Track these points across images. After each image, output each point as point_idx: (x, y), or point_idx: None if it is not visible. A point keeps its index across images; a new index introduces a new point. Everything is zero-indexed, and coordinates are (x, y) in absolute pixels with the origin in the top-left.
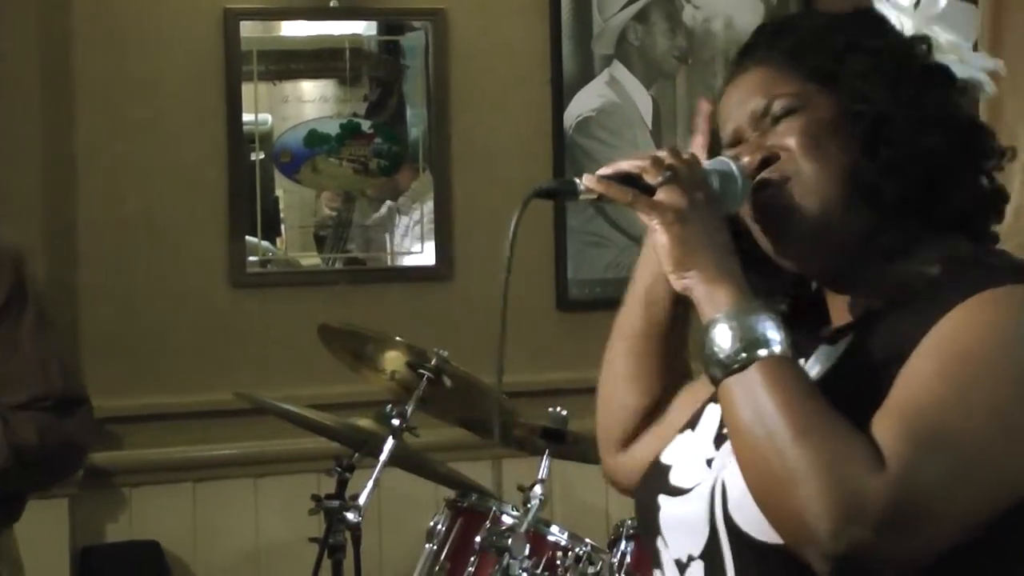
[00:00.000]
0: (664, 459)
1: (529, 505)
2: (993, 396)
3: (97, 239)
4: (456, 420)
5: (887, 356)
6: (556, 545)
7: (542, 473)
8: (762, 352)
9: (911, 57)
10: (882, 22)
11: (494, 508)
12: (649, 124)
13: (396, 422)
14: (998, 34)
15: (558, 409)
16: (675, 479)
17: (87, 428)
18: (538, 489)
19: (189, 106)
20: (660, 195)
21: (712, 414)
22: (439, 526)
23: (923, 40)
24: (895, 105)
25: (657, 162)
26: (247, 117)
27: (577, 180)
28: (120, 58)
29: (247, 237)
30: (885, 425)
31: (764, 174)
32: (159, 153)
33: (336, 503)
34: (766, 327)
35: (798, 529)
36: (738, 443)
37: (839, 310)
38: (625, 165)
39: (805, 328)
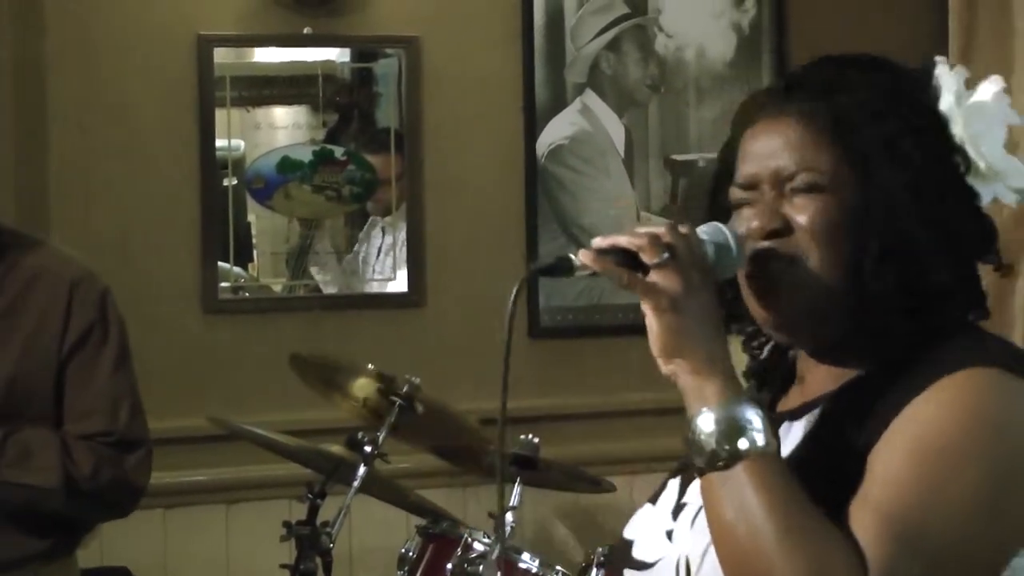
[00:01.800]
0: (627, 534)
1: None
2: (969, 489)
3: None
4: (428, 447)
5: (858, 433)
6: (527, 572)
7: (514, 500)
8: (746, 446)
9: (947, 169)
10: (930, 121)
11: (465, 535)
12: (621, 152)
13: (368, 449)
14: (968, 49)
15: (530, 436)
16: (638, 553)
17: (143, 469)
18: (509, 516)
19: (162, 132)
20: (656, 277)
21: (672, 488)
22: (410, 553)
23: (963, 155)
24: (920, 224)
25: (655, 240)
26: (220, 143)
27: (572, 256)
28: (94, 83)
29: (219, 263)
30: (864, 526)
31: (770, 244)
32: (132, 178)
33: (307, 529)
34: (752, 423)
35: None
36: (720, 539)
37: (812, 377)
38: (623, 240)
39: (770, 388)
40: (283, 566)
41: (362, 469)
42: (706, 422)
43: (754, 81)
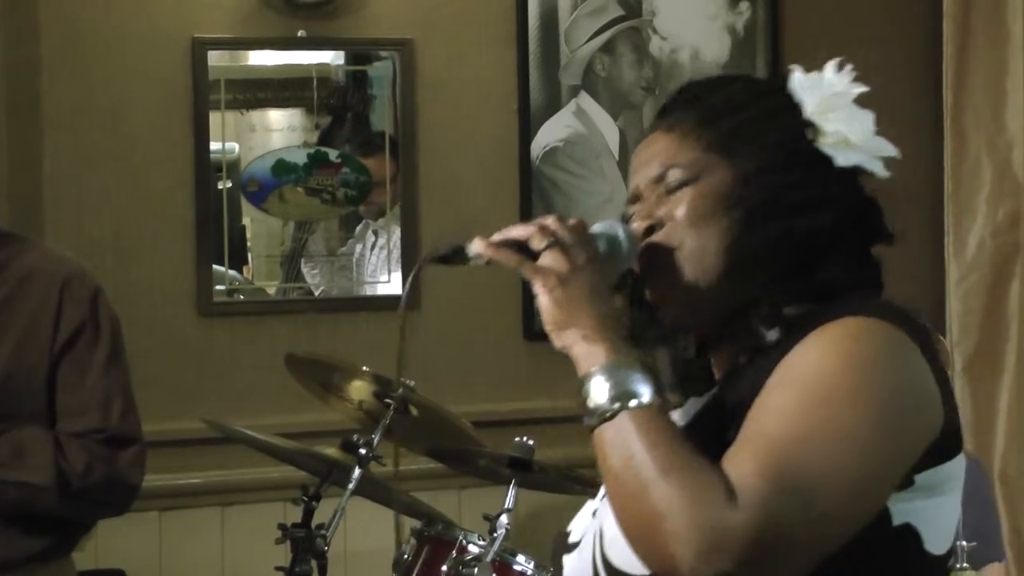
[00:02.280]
0: (569, 527)
1: (495, 535)
2: (840, 419)
3: None
4: (423, 449)
5: (742, 400)
6: (522, 574)
7: (508, 503)
8: (632, 403)
9: (801, 142)
10: (784, 106)
11: (460, 537)
12: (616, 155)
13: (363, 451)
14: (961, 74)
15: (524, 438)
16: (571, 537)
17: (137, 467)
18: (504, 519)
19: (156, 135)
20: (543, 260)
21: None
22: (405, 555)
23: (812, 127)
24: (782, 187)
25: (543, 229)
26: (214, 146)
27: (466, 245)
28: (88, 87)
29: (214, 266)
30: (738, 459)
31: (650, 240)
32: (126, 182)
33: (303, 532)
34: (637, 380)
35: (665, 565)
36: (610, 487)
37: (717, 364)
38: (514, 231)
39: (699, 380)
40: (278, 568)
41: (357, 471)
42: (597, 384)
43: None
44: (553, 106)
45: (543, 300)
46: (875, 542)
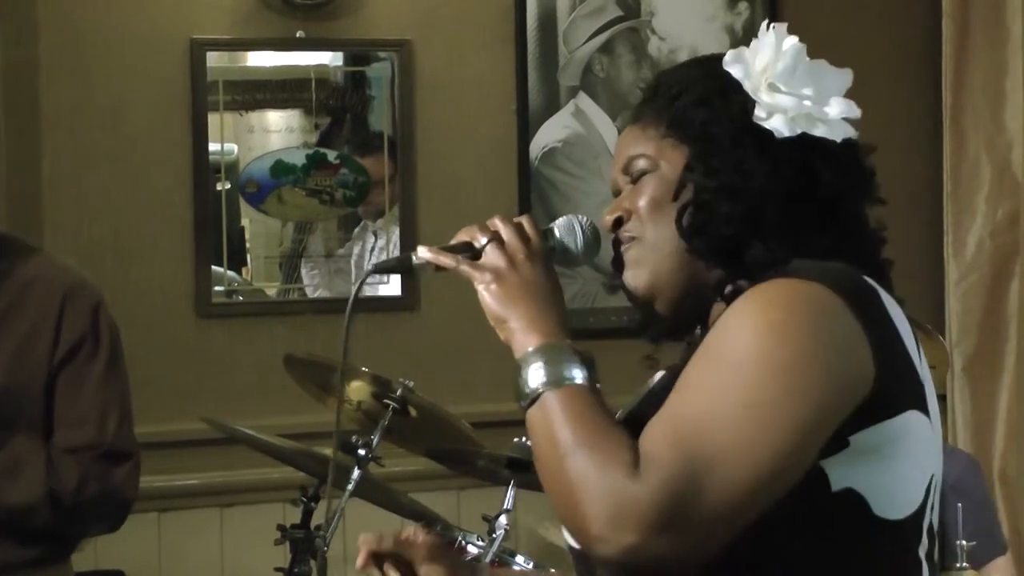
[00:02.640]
0: None
1: (494, 535)
2: (747, 387)
3: None
4: (421, 450)
5: (676, 372)
6: (520, 575)
7: (507, 503)
8: (564, 383)
9: (744, 118)
10: (730, 83)
11: (459, 538)
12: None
13: (361, 452)
14: (960, 74)
15: (523, 439)
16: None
17: (132, 482)
18: (503, 519)
19: (155, 136)
20: (483, 258)
21: None
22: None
23: (750, 101)
24: (724, 169)
25: (483, 227)
26: (213, 147)
27: (412, 255)
28: (86, 88)
29: (213, 267)
30: (650, 432)
31: (617, 233)
32: (125, 183)
33: (302, 533)
34: (570, 365)
35: (582, 537)
36: (538, 465)
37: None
38: (460, 234)
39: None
40: (277, 569)
41: (356, 472)
42: (531, 369)
43: None
44: (552, 107)
45: (481, 296)
46: (815, 508)
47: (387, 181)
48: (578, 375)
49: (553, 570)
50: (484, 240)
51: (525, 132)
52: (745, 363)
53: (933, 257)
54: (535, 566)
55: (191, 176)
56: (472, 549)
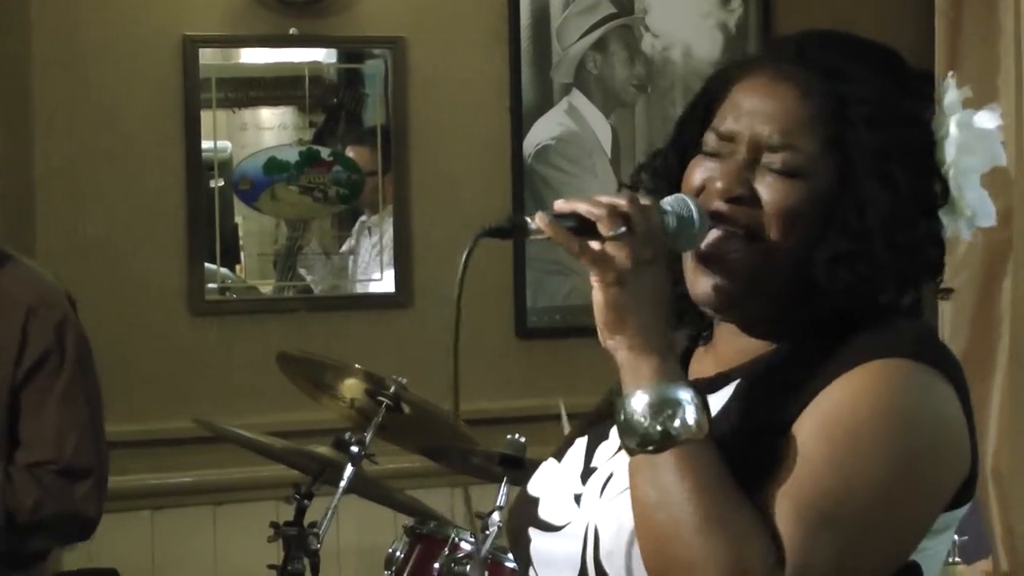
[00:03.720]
0: (531, 490)
1: (487, 532)
2: (880, 475)
3: (56, 266)
4: (415, 447)
5: (775, 409)
6: (514, 572)
7: (500, 500)
8: (677, 431)
9: (926, 199)
10: (924, 143)
11: (453, 535)
12: (608, 153)
13: (355, 449)
14: (953, 71)
15: (516, 436)
16: (544, 513)
17: (92, 499)
18: (496, 516)
19: (148, 133)
20: (608, 249)
21: (579, 448)
22: (398, 553)
23: (944, 184)
24: (884, 245)
25: (613, 211)
26: (206, 144)
27: (528, 219)
28: (79, 85)
29: (206, 264)
30: (782, 511)
31: (729, 209)
32: (118, 180)
33: (295, 530)
34: (686, 408)
35: None
36: (641, 521)
37: (727, 345)
38: (582, 207)
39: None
40: (271, 567)
41: (349, 469)
42: (639, 402)
43: None
44: (545, 104)
45: (597, 296)
46: None
47: (381, 178)
48: (698, 425)
49: None
50: (613, 230)
51: (519, 129)
52: (877, 448)
53: None
54: None
55: (184, 173)
56: (465, 546)
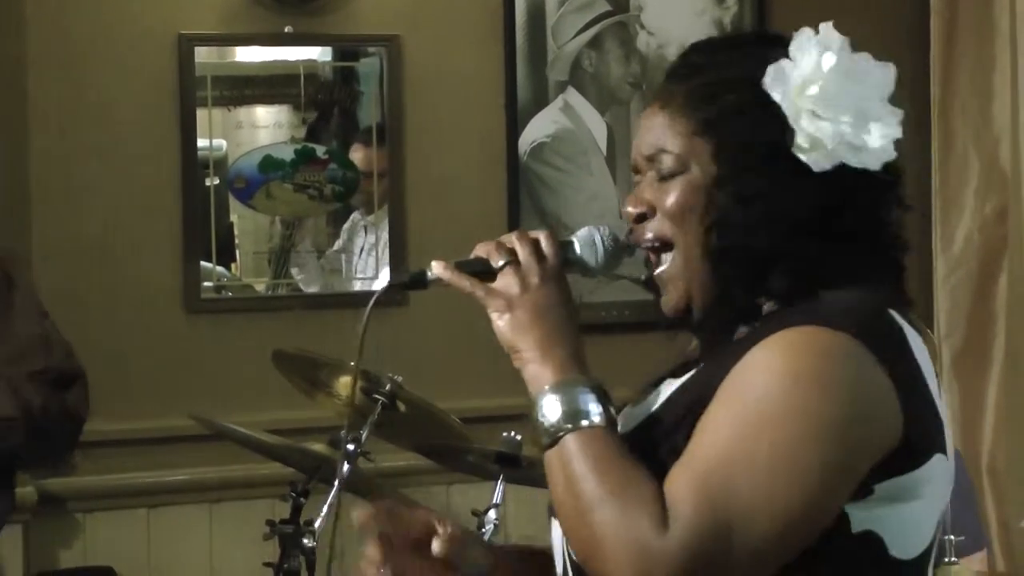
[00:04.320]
0: None
1: (483, 530)
2: (774, 442)
3: (51, 264)
4: (410, 445)
5: (698, 394)
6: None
7: (496, 498)
8: (583, 423)
9: (777, 143)
10: (767, 98)
11: None
12: (603, 150)
13: (351, 447)
14: (948, 69)
15: (512, 434)
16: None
17: (83, 401)
18: (492, 514)
19: (143, 131)
20: (497, 282)
21: None
22: None
23: (786, 129)
24: (754, 194)
25: (500, 247)
26: (202, 143)
27: (427, 270)
28: (74, 83)
29: (202, 262)
30: (677, 481)
31: (636, 231)
32: (113, 178)
33: (291, 528)
34: (586, 400)
35: None
36: (556, 508)
37: (701, 351)
38: (478, 249)
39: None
40: (267, 564)
41: (345, 467)
42: (548, 404)
43: None
44: (540, 102)
45: (494, 323)
46: (834, 548)
47: (376, 176)
48: (596, 412)
49: None
50: (501, 262)
51: (514, 127)
52: (773, 414)
53: (921, 252)
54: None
55: (180, 172)
56: None
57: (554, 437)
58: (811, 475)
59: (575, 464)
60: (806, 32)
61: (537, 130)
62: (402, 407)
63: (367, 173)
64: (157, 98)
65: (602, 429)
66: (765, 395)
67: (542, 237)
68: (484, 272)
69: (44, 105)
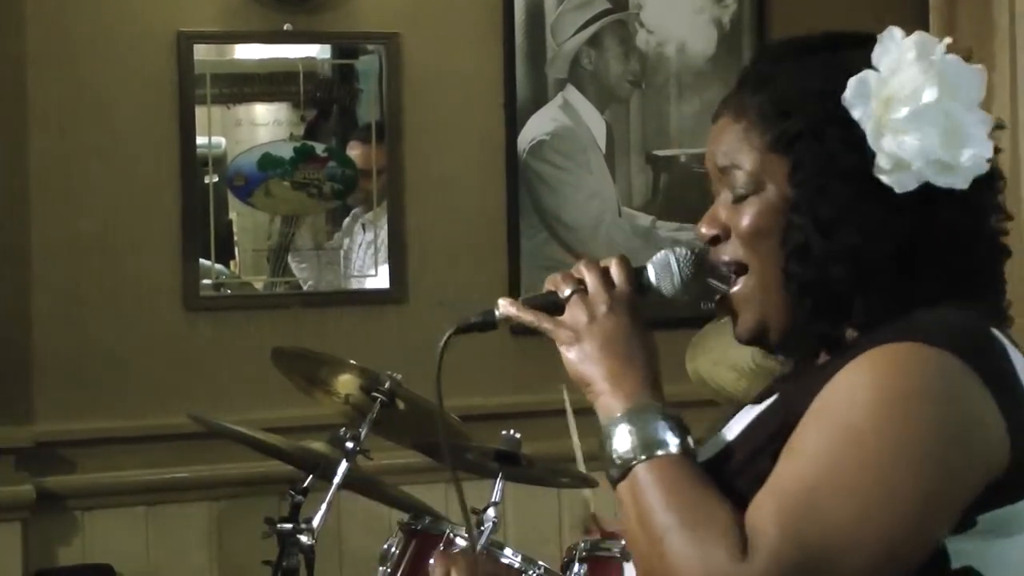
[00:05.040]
0: None
1: (482, 528)
2: (869, 465)
3: (50, 262)
4: (410, 443)
5: (784, 418)
6: (509, 568)
7: (495, 496)
8: (657, 452)
9: (857, 165)
10: (846, 114)
11: (448, 531)
12: (603, 148)
13: (350, 445)
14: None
15: (511, 432)
16: None
17: None
18: (491, 512)
19: (142, 129)
20: (565, 315)
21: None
22: (392, 549)
23: (866, 150)
24: (832, 220)
25: (567, 277)
26: (201, 140)
27: (495, 310)
28: (73, 81)
29: (201, 260)
30: (760, 508)
31: (713, 254)
32: (112, 176)
33: (290, 526)
34: (660, 430)
35: None
36: (629, 540)
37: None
38: (549, 282)
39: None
40: (266, 562)
41: (344, 465)
42: (618, 434)
43: (735, 77)
44: (539, 100)
45: (564, 359)
46: None
47: (375, 174)
48: (671, 441)
49: (541, 563)
50: (568, 291)
51: (513, 125)
52: (866, 434)
53: None
54: (522, 559)
55: (179, 170)
56: (460, 542)
57: (625, 468)
58: (905, 500)
59: (647, 495)
60: (892, 35)
61: (536, 128)
62: (401, 405)
63: (366, 171)
64: (156, 96)
65: (677, 457)
66: (854, 415)
67: (613, 264)
68: (552, 305)
69: (43, 103)
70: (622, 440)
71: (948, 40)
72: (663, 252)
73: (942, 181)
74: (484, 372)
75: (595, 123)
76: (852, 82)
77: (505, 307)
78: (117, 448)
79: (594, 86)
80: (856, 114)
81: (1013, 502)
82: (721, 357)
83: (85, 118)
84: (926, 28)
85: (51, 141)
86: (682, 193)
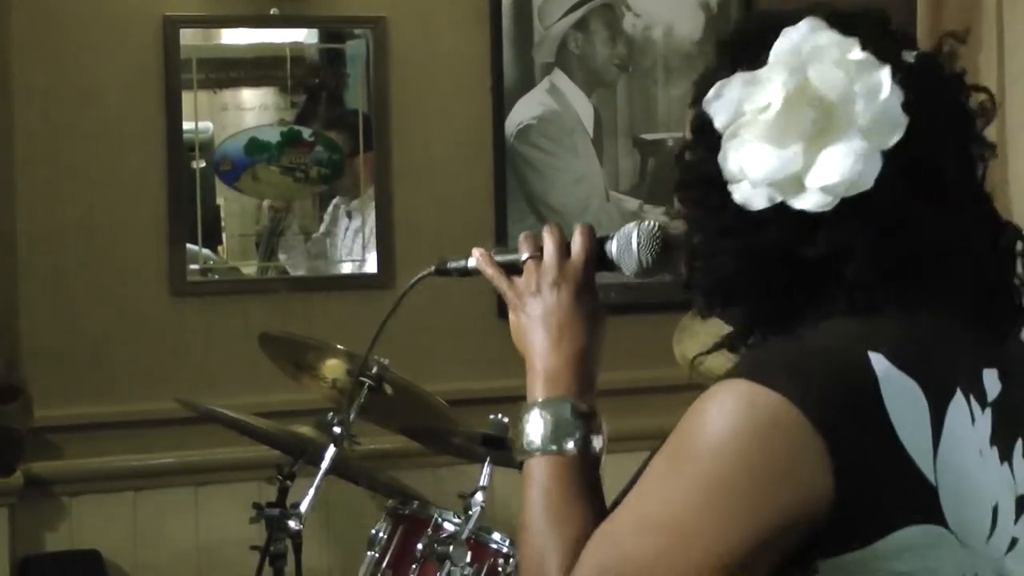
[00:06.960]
0: None
1: (470, 512)
2: (671, 508)
3: (36, 248)
4: (397, 428)
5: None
6: (497, 552)
7: (483, 480)
8: (552, 448)
9: (716, 175)
10: (719, 104)
11: (435, 515)
12: (590, 132)
13: (337, 430)
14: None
15: (499, 416)
16: None
17: (24, 414)
18: (479, 496)
19: (129, 114)
20: (519, 277)
21: None
22: (380, 534)
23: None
24: (702, 233)
25: (530, 239)
26: (187, 125)
27: (469, 259)
28: (59, 66)
29: (188, 245)
30: (594, 533)
31: (667, 223)
32: (99, 161)
33: (277, 511)
34: (565, 427)
35: None
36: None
37: None
38: (520, 241)
39: None
40: (253, 547)
41: (331, 450)
42: (531, 419)
43: None
44: (527, 84)
45: (510, 316)
46: None
47: (362, 159)
48: (568, 444)
49: None
50: (525, 256)
51: (500, 109)
52: (674, 474)
53: None
54: (511, 543)
55: (165, 154)
56: (448, 526)
57: (523, 457)
58: (700, 544)
59: (532, 489)
60: (789, 34)
61: (523, 112)
62: (389, 390)
63: (353, 155)
64: (142, 81)
65: (569, 460)
66: (676, 450)
67: (576, 232)
68: (514, 266)
69: (28, 88)
70: (531, 427)
71: (857, 48)
72: (631, 224)
73: (798, 203)
74: (471, 356)
75: (582, 107)
76: (716, 87)
77: (476, 257)
78: (104, 433)
79: (581, 70)
80: (716, 120)
81: (852, 550)
82: (709, 340)
83: (71, 103)
84: (914, 8)
85: (36, 126)
86: (669, 177)
